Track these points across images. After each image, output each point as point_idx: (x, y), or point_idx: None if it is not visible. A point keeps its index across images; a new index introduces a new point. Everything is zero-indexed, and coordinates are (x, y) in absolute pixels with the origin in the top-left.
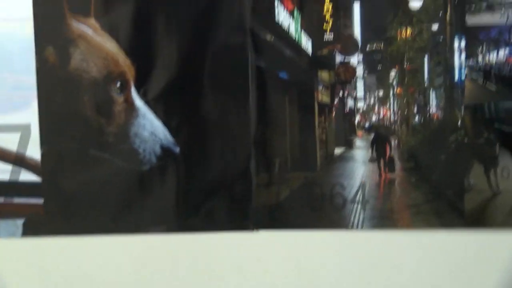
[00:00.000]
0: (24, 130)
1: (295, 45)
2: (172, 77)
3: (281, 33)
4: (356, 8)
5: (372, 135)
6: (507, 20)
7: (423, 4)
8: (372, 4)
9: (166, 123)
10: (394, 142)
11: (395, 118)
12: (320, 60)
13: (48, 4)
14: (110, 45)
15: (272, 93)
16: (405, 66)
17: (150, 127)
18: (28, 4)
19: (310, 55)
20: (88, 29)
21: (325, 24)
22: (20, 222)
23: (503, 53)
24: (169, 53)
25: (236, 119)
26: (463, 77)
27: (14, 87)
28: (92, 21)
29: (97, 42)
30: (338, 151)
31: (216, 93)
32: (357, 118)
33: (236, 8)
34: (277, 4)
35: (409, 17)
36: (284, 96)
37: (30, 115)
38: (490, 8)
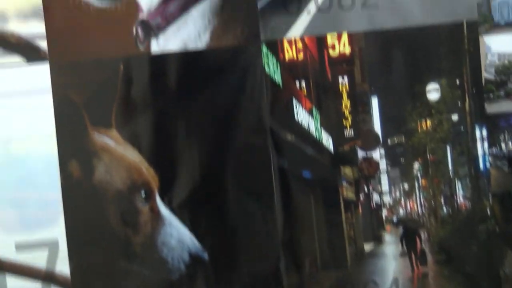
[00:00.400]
0: (52, 246)
1: (316, 143)
2: (196, 183)
3: (301, 132)
4: (375, 102)
5: (400, 229)
6: None
7: (441, 95)
8: (390, 98)
9: (192, 229)
10: (423, 235)
11: (423, 211)
12: (342, 157)
13: (69, 119)
14: (132, 155)
15: (296, 192)
16: (428, 158)
17: (177, 235)
18: (51, 120)
19: (332, 152)
20: (110, 140)
21: (344, 120)
22: None
23: None
24: (191, 159)
25: (263, 221)
26: (487, 166)
27: (40, 204)
28: (114, 132)
29: (119, 153)
30: (367, 247)
31: (240, 197)
32: (384, 212)
33: (255, 109)
34: (295, 104)
35: (428, 108)
36: (309, 195)
37: (58, 231)
38: (509, 95)
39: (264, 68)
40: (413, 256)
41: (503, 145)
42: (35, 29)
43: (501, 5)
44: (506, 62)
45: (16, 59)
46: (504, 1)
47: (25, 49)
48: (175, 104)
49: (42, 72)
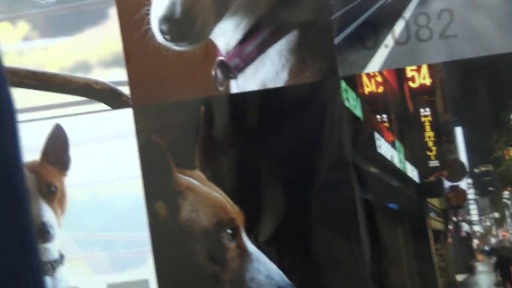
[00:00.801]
0: (143, 286)
1: (401, 175)
2: (281, 219)
3: (385, 165)
4: (459, 132)
5: (493, 259)
6: None
7: None
8: (475, 127)
9: (279, 264)
10: None
11: None
12: (428, 188)
13: (154, 161)
14: (217, 194)
15: (383, 225)
16: None
17: (265, 270)
18: (136, 163)
19: (418, 183)
20: (195, 180)
21: (428, 151)
22: None
23: None
24: (275, 196)
25: (350, 255)
26: None
27: (129, 245)
28: (197, 173)
29: (204, 192)
30: (459, 278)
31: (326, 231)
32: (475, 242)
33: (336, 144)
34: (377, 137)
35: None
36: (395, 227)
37: (147, 271)
38: None
39: (344, 103)
40: (508, 285)
41: None
42: (117, 76)
43: None
44: None
45: (101, 105)
46: None
47: (108, 96)
48: (257, 143)
49: (125, 117)
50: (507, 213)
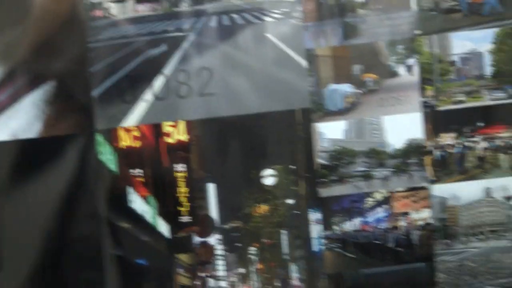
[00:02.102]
0: None
1: (152, 231)
2: (32, 273)
3: (137, 220)
4: (211, 188)
5: None
6: (357, 191)
7: (276, 180)
8: (227, 184)
9: None
10: None
11: None
12: (178, 244)
13: None
14: None
15: (131, 281)
16: (264, 242)
17: None
18: None
19: (168, 239)
20: None
21: (180, 207)
22: None
23: (357, 221)
24: (26, 247)
25: None
26: (321, 248)
27: None
28: None
29: None
30: None
31: (77, 286)
32: None
33: (88, 198)
34: (131, 191)
35: (264, 194)
36: (143, 283)
37: None
38: (341, 179)
39: (99, 156)
40: None
41: (336, 227)
42: None
43: (331, 93)
44: (337, 147)
45: None
46: (334, 89)
47: None
48: (6, 195)
49: None
50: (252, 269)
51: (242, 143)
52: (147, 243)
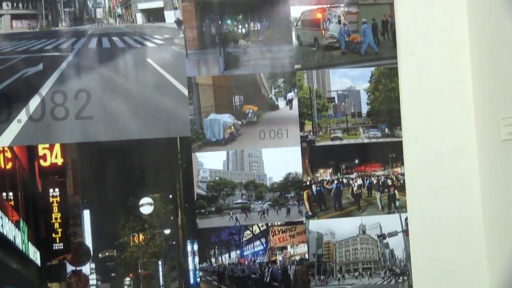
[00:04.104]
0: None
1: (23, 257)
2: None
3: (7, 245)
4: (86, 215)
5: None
6: (235, 223)
7: (154, 209)
8: (103, 211)
9: None
10: None
11: None
12: (50, 272)
13: None
14: None
15: None
16: (139, 273)
17: None
18: None
19: (39, 266)
20: None
21: (54, 233)
22: None
23: (234, 254)
24: None
25: None
26: (198, 280)
27: None
28: None
29: None
30: None
31: None
32: None
33: None
34: (1, 215)
35: (141, 222)
36: None
37: None
38: (219, 211)
39: None
40: None
41: (213, 260)
42: None
43: (211, 122)
44: (217, 178)
45: None
46: (214, 119)
47: None
48: None
49: None
50: None
51: (120, 170)
52: (17, 270)
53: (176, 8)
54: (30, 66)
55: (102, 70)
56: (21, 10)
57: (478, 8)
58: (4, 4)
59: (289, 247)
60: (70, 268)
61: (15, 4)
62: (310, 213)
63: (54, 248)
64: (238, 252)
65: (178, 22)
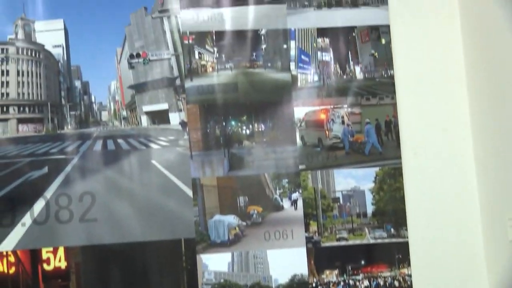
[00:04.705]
0: None
1: None
2: None
3: None
4: None
5: None
6: None
7: None
8: None
9: None
10: None
11: None
12: None
13: None
14: None
15: None
16: None
17: None
18: None
19: None
20: None
21: None
22: None
23: None
24: None
25: None
26: None
27: None
28: None
29: None
30: None
31: None
32: None
33: None
34: None
35: None
36: None
37: None
38: None
39: None
40: None
41: None
42: None
43: (216, 223)
44: (222, 281)
45: None
46: (219, 220)
47: None
48: None
49: None
50: None
51: (124, 272)
52: None
53: (180, 110)
54: (35, 170)
55: (107, 173)
56: (28, 114)
57: (480, 108)
58: (11, 109)
59: None
60: None
61: (21, 109)
62: None
63: None
64: None
65: (183, 123)
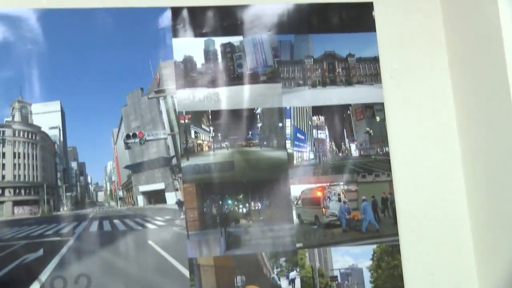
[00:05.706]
0: None
1: None
2: None
3: None
4: None
5: None
6: None
7: None
8: None
9: None
10: None
11: None
12: None
13: None
14: None
15: None
16: None
17: None
18: None
19: None
20: None
21: None
22: None
23: None
24: None
25: None
26: None
27: None
28: None
29: None
30: None
31: None
32: None
33: None
34: None
35: None
36: None
37: None
38: None
39: None
40: None
41: None
42: None
43: None
44: None
45: None
46: None
47: None
48: None
49: None
50: None
51: None
52: None
53: (177, 189)
54: (30, 252)
55: (103, 254)
56: (23, 196)
57: (476, 183)
58: (6, 191)
59: None
60: None
61: (17, 191)
62: None
63: None
64: None
65: (179, 203)
